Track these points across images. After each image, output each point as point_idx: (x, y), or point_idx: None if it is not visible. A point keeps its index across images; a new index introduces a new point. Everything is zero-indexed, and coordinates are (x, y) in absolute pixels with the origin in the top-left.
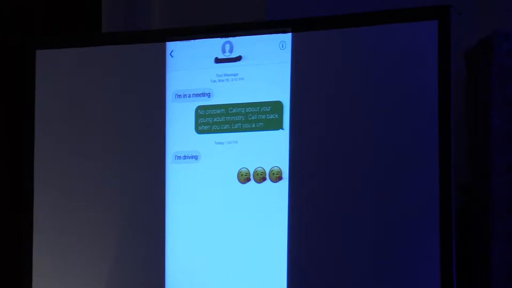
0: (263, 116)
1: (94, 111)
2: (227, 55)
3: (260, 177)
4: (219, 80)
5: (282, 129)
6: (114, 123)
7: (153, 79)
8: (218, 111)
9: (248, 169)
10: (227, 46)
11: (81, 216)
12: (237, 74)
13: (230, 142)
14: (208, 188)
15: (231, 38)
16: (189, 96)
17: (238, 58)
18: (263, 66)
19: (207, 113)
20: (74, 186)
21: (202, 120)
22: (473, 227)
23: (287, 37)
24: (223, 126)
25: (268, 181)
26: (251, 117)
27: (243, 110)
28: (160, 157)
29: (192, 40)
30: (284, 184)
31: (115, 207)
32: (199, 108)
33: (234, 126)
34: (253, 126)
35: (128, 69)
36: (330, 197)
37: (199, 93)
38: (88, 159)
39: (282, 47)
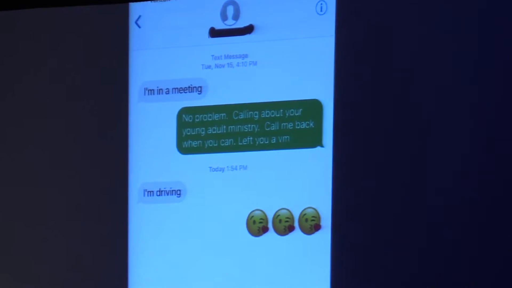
0: (290, 125)
1: (12, 113)
2: (230, 24)
3: (284, 226)
4: (217, 66)
5: (322, 146)
6: (44, 136)
7: (108, 64)
8: (216, 117)
9: (264, 213)
10: (230, 10)
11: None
12: (246, 56)
13: (235, 168)
14: (199, 243)
15: None
16: (168, 92)
17: (248, 30)
18: (290, 43)
19: (197, 120)
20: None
21: (189, 131)
22: None
23: None
24: (223, 142)
25: (298, 232)
26: (270, 126)
27: (256, 114)
28: (119, 192)
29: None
30: (324, 236)
31: (57, 269)
32: (184, 111)
33: (242, 142)
34: (274, 141)
35: (67, 47)
36: (398, 259)
37: (184, 86)
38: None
39: (321, 11)
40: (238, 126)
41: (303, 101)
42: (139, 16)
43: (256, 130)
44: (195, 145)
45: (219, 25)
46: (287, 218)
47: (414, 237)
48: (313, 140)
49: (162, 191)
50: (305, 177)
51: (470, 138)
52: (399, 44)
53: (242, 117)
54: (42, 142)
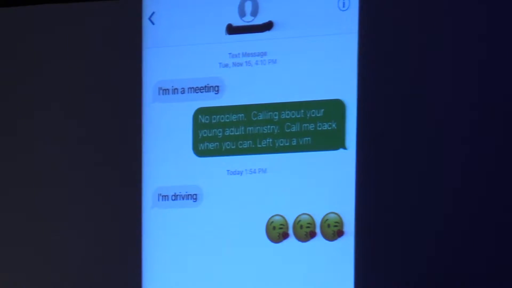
0: (311, 126)
1: (23, 113)
2: (249, 20)
3: (306, 232)
4: (235, 64)
5: (344, 148)
6: (55, 137)
7: (121, 63)
8: (233, 118)
9: (285, 218)
10: (248, 6)
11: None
12: (265, 54)
13: (254, 171)
14: (216, 250)
15: None
16: (183, 92)
17: (268, 26)
18: (311, 40)
19: (214, 121)
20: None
21: (205, 132)
22: None
23: None
24: (241, 144)
25: (319, 238)
26: (291, 127)
27: (276, 115)
28: (132, 196)
29: None
30: (347, 242)
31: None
32: (200, 112)
33: (261, 144)
34: (294, 143)
35: (78, 44)
36: (424, 267)
37: (200, 86)
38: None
39: (344, 7)
40: (257, 127)
41: (325, 101)
42: (153, 13)
43: (275, 131)
44: (212, 147)
45: (237, 22)
46: (309, 223)
47: (441, 244)
48: (335, 142)
49: (177, 195)
50: (327, 181)
51: (496, 138)
52: (424, 41)
53: (261, 118)
54: (53, 144)
